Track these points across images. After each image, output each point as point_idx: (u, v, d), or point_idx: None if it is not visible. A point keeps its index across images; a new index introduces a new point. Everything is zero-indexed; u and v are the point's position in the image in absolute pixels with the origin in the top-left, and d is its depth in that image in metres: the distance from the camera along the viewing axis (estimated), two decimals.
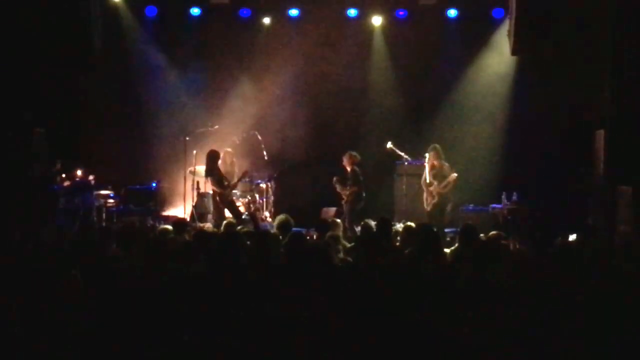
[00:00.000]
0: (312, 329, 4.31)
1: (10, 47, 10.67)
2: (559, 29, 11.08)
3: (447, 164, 10.89)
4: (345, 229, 8.92)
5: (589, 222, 11.04)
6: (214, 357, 4.23)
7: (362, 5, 13.34)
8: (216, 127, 12.60)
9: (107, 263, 5.50)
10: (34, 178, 11.04)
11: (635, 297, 4.63)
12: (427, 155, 10.95)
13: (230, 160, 11.80)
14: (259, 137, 12.90)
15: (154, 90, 13.37)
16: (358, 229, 9.41)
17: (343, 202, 11.14)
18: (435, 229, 7.29)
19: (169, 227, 7.94)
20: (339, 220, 8.43)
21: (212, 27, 13.32)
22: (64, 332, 4.26)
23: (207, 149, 11.65)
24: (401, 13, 13.35)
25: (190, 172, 12.19)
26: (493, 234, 7.18)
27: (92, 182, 12.13)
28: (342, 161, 11.24)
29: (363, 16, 13.39)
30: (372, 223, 8.44)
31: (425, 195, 11.02)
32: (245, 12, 13.38)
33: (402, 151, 11.81)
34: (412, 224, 7.71)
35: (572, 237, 9.06)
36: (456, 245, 7.00)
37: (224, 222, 8.80)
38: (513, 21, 11.53)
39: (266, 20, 13.43)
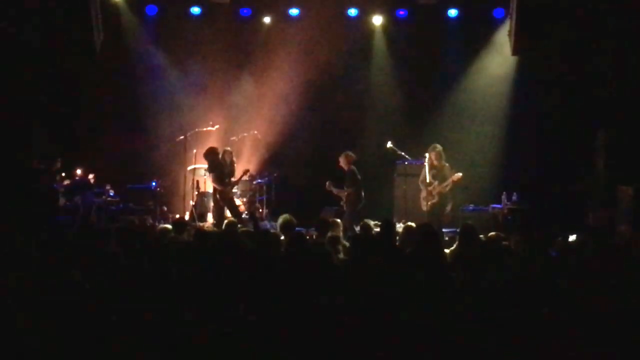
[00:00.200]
0: (312, 328, 4.31)
1: (11, 46, 10.67)
2: (559, 29, 11.07)
3: (447, 165, 10.85)
4: (345, 229, 8.90)
5: (589, 222, 11.04)
6: (214, 357, 4.23)
7: (363, 5, 13.33)
8: (216, 126, 12.60)
9: (107, 262, 5.49)
10: (34, 177, 11.04)
11: (635, 297, 4.63)
12: (427, 154, 10.89)
13: (230, 160, 11.80)
14: (259, 137, 12.91)
15: (154, 89, 13.36)
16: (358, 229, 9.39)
17: (342, 202, 11.12)
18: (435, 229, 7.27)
19: (169, 226, 7.94)
20: (339, 220, 8.42)
21: (212, 26, 13.30)
22: (64, 332, 4.26)
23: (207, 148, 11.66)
24: (401, 13, 13.34)
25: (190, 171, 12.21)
26: (493, 235, 7.17)
27: (92, 181, 12.14)
28: (339, 162, 11.22)
29: (363, 16, 13.38)
30: (372, 223, 8.44)
31: (423, 194, 10.90)
32: (245, 11, 13.38)
33: (402, 151, 11.81)
34: (412, 224, 7.69)
35: (572, 237, 9.05)
36: (456, 245, 7.00)
37: (225, 221, 8.79)
38: (514, 21, 11.53)
39: (266, 20, 13.43)
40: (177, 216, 11.73)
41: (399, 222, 10.47)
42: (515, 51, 11.91)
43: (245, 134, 12.88)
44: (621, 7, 10.71)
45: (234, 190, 11.83)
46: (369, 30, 13.48)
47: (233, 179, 11.56)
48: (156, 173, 12.73)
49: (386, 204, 12.34)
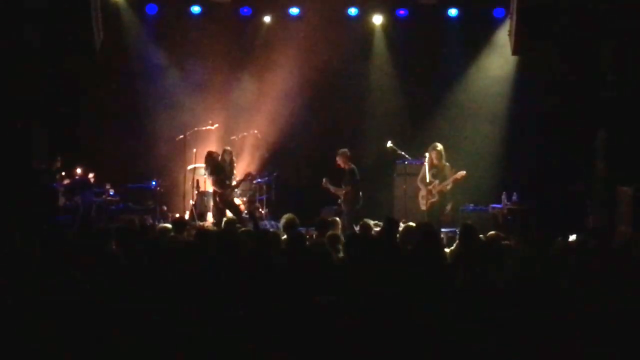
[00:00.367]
0: (312, 327, 4.31)
1: (10, 44, 10.66)
2: (559, 29, 11.07)
3: (448, 164, 10.82)
4: (344, 228, 8.89)
5: (589, 222, 11.04)
6: (214, 356, 4.23)
7: (363, 4, 13.32)
8: (216, 125, 12.60)
9: (107, 262, 5.49)
10: (34, 177, 11.04)
11: (635, 297, 4.63)
12: (427, 154, 10.85)
13: (230, 159, 11.80)
14: (259, 136, 12.90)
15: (154, 88, 13.36)
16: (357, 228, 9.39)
17: (340, 201, 11.10)
18: (435, 229, 7.28)
19: (169, 225, 7.94)
20: (338, 219, 8.42)
21: (213, 25, 13.30)
22: (64, 332, 4.26)
23: (207, 148, 11.65)
24: (402, 12, 13.34)
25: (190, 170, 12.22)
26: (492, 234, 7.16)
27: (92, 180, 12.14)
28: (336, 161, 11.19)
29: (363, 15, 13.38)
30: (372, 223, 8.44)
31: (422, 193, 10.81)
32: (245, 10, 13.37)
33: (402, 150, 11.80)
34: (412, 224, 7.69)
35: (572, 237, 9.05)
36: (456, 245, 6.99)
37: (224, 220, 8.78)
38: (514, 21, 11.52)
39: (267, 19, 13.42)
40: (177, 215, 11.74)
41: (399, 222, 10.43)
42: (516, 51, 11.89)
43: (245, 134, 12.87)
44: (621, 7, 10.70)
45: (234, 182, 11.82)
46: (369, 30, 13.47)
47: (233, 180, 11.55)
48: (156, 172, 12.73)
49: (386, 204, 12.34)
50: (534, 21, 11.09)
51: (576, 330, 4.30)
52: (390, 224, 7.34)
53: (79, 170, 12.16)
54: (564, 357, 4.18)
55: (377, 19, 13.35)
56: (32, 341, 4.17)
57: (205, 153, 11.31)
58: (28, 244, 5.88)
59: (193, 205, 11.91)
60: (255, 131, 12.88)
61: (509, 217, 11.36)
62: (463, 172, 10.54)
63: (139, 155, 13.06)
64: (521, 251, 6.37)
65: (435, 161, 10.66)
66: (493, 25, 13.03)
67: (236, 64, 13.51)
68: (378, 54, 13.59)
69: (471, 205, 12.28)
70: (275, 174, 12.79)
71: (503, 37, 12.49)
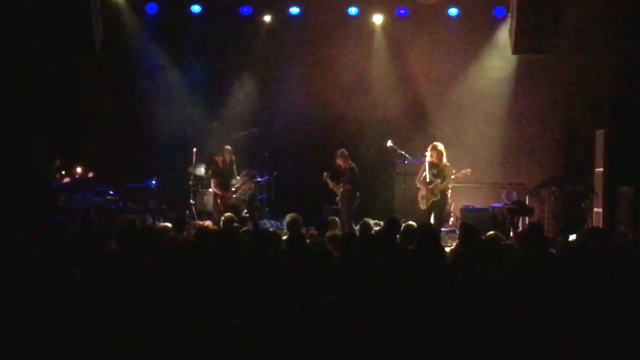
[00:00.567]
0: (312, 327, 4.31)
1: (11, 44, 10.67)
2: (559, 29, 11.07)
3: (448, 164, 10.79)
4: (342, 227, 8.89)
5: (589, 222, 11.05)
6: (214, 356, 4.23)
7: (363, 4, 13.31)
8: (216, 124, 12.59)
9: (107, 261, 5.49)
10: (34, 176, 11.04)
11: (635, 297, 4.63)
12: (427, 153, 10.81)
13: (230, 158, 11.80)
14: (259, 135, 12.90)
15: (154, 88, 13.35)
16: (357, 228, 9.39)
17: (337, 199, 11.12)
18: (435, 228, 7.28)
19: (169, 224, 7.92)
20: (337, 219, 8.43)
21: (213, 24, 13.29)
22: (64, 332, 4.25)
23: (207, 147, 11.65)
24: (402, 11, 13.33)
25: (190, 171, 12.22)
26: (492, 234, 7.16)
27: (92, 179, 12.13)
28: (336, 162, 11.20)
29: (364, 14, 13.36)
30: (372, 222, 8.44)
31: (422, 193, 10.76)
32: (246, 9, 13.36)
33: (402, 150, 11.78)
34: (413, 223, 7.68)
35: (572, 237, 9.05)
36: (456, 244, 6.99)
37: (222, 217, 8.75)
38: (514, 20, 11.52)
39: (267, 18, 13.41)
40: (177, 215, 11.72)
41: (401, 223, 10.42)
42: (516, 50, 11.90)
43: (245, 133, 12.86)
44: (621, 7, 10.70)
45: (234, 188, 11.83)
46: (369, 29, 13.46)
47: (233, 179, 11.55)
48: (156, 172, 12.73)
49: (386, 204, 12.34)
50: (533, 21, 11.09)
51: (576, 330, 4.29)
52: (391, 224, 7.33)
53: (79, 170, 12.15)
54: (564, 357, 4.18)
55: (378, 19, 13.33)
56: (32, 341, 4.17)
57: (205, 152, 11.33)
58: (28, 244, 5.88)
59: (193, 204, 11.91)
60: (255, 130, 12.87)
61: (509, 217, 11.34)
62: (469, 170, 10.56)
63: (139, 155, 13.06)
64: (521, 251, 6.37)
65: (435, 161, 10.63)
66: (493, 24, 13.01)
67: (236, 63, 13.51)
68: (378, 53, 13.58)
69: (471, 205, 12.26)
70: (275, 174, 12.79)
71: (503, 36, 12.49)
